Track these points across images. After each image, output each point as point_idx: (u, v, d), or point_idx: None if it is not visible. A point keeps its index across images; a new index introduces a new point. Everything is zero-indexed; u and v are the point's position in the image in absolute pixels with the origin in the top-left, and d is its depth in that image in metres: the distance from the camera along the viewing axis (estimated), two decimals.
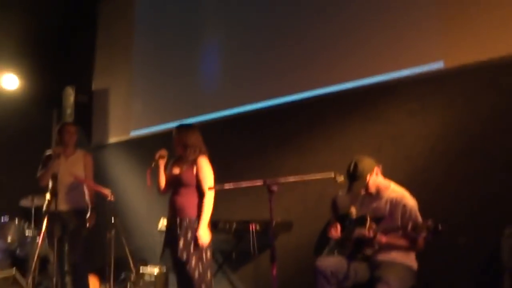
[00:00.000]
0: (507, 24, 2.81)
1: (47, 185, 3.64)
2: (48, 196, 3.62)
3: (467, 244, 2.75)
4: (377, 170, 2.65)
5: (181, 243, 2.81)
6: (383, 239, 2.48)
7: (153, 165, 3.00)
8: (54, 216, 3.56)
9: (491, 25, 2.87)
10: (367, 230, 2.50)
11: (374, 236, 2.47)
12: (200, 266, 2.84)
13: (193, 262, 2.81)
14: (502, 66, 2.80)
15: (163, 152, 3.02)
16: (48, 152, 3.84)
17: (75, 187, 3.70)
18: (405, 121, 3.20)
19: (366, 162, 2.64)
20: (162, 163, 3.03)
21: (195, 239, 2.83)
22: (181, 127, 3.09)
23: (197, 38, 4.89)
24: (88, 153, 3.95)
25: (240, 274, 4.02)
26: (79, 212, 3.69)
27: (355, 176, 2.62)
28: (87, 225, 3.72)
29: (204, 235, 2.84)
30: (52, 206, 3.54)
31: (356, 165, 2.62)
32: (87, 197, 3.77)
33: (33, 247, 4.21)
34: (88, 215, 3.73)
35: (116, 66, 5.95)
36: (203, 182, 2.92)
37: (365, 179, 2.62)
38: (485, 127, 2.84)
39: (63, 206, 3.63)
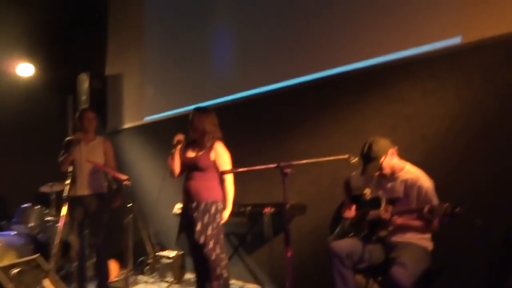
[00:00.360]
0: None
1: (68, 170, 3.71)
2: (68, 181, 3.69)
3: (484, 224, 2.71)
4: (392, 151, 2.60)
5: (198, 226, 2.85)
6: (398, 220, 2.46)
7: (173, 151, 3.02)
8: (75, 201, 3.66)
9: None
10: (383, 212, 2.48)
11: (390, 219, 2.45)
12: (218, 248, 2.88)
13: (211, 244, 2.85)
14: None
15: (180, 136, 3.03)
16: (69, 138, 3.91)
17: (95, 172, 3.76)
18: (421, 100, 3.13)
19: (381, 143, 2.59)
20: (178, 147, 3.04)
21: (214, 221, 2.86)
22: (199, 111, 3.08)
23: (208, 21, 4.84)
24: (107, 139, 4.01)
25: (255, 257, 4.07)
26: (100, 197, 3.76)
27: (369, 158, 2.57)
28: (114, 205, 3.80)
29: (227, 216, 2.92)
30: (72, 191, 3.63)
31: (370, 146, 2.57)
32: (108, 180, 3.84)
33: (54, 232, 4.32)
34: (114, 196, 3.81)
35: (128, 52, 5.96)
36: (222, 167, 2.93)
37: (380, 160, 2.57)
38: (504, 105, 2.75)
39: (84, 190, 3.70)
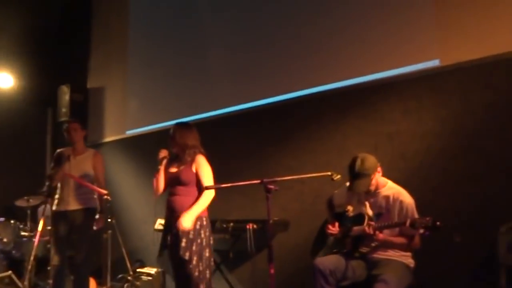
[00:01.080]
0: (502, 22, 2.82)
1: (56, 184, 3.61)
2: (56, 196, 3.59)
3: (463, 241, 2.77)
4: (379, 168, 2.64)
5: (183, 242, 2.80)
6: (380, 236, 2.48)
7: (159, 167, 2.98)
8: (60, 216, 3.54)
9: (487, 24, 2.87)
10: (366, 227, 2.50)
11: (374, 233, 2.46)
12: (200, 265, 2.84)
13: (194, 261, 2.81)
14: (498, 65, 2.81)
15: (165, 152, 3.00)
16: (59, 150, 3.81)
17: (82, 186, 3.62)
18: (401, 120, 3.21)
19: (371, 160, 2.60)
20: (163, 164, 3.01)
21: (198, 237, 2.83)
22: (180, 126, 3.06)
23: (193, 37, 4.87)
24: (98, 152, 3.90)
25: (237, 274, 4.02)
26: (87, 212, 3.62)
27: (361, 174, 2.56)
28: (95, 226, 3.63)
29: (186, 222, 2.79)
30: (57, 206, 3.53)
31: (363, 162, 2.57)
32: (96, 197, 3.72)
33: (29, 247, 4.18)
34: (97, 217, 3.64)
35: (112, 65, 5.92)
36: (203, 180, 2.90)
37: (370, 177, 2.59)
38: (481, 126, 2.85)
39: (69, 205, 3.58)
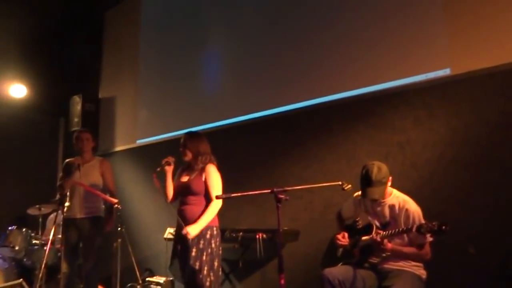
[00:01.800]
0: None
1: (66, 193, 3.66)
2: (67, 203, 3.63)
3: (477, 252, 2.72)
4: (390, 177, 2.61)
5: (193, 251, 2.81)
6: (389, 245, 2.44)
7: (159, 169, 2.99)
8: (69, 223, 3.58)
9: (497, 32, 2.86)
10: (374, 234, 2.48)
11: (382, 241, 2.44)
12: (212, 275, 2.83)
13: (205, 270, 2.81)
14: (509, 73, 2.79)
15: (170, 158, 3.02)
16: (68, 160, 3.87)
17: (92, 195, 3.68)
18: (412, 129, 3.19)
19: (385, 168, 2.57)
20: (169, 170, 3.02)
21: (209, 247, 2.82)
22: (192, 134, 3.09)
23: (203, 47, 4.92)
24: (105, 159, 3.96)
25: (247, 284, 4.00)
26: (95, 220, 3.69)
27: (376, 182, 2.52)
28: (107, 228, 3.73)
29: (192, 231, 2.79)
30: (67, 213, 3.56)
31: (379, 170, 2.53)
32: (104, 203, 3.78)
33: (40, 255, 4.21)
34: (106, 219, 3.74)
35: (123, 75, 6.00)
36: (212, 190, 2.91)
37: (386, 185, 2.56)
38: (493, 134, 2.82)
39: (78, 213, 3.64)
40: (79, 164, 3.64)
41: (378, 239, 2.44)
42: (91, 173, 3.74)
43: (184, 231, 2.81)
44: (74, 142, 3.87)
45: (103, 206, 3.79)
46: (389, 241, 2.47)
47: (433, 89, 3.11)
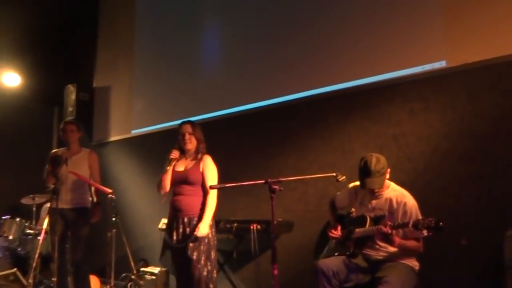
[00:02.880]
0: (510, 24, 2.79)
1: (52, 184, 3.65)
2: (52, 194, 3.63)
3: (469, 244, 2.74)
4: (388, 169, 2.60)
5: (191, 242, 2.81)
6: (397, 239, 2.40)
7: (168, 167, 2.97)
8: (56, 214, 3.58)
9: (493, 24, 2.85)
10: (383, 225, 2.39)
11: (391, 232, 2.36)
12: (209, 265, 2.84)
13: (202, 260, 2.81)
14: (505, 65, 2.78)
15: (176, 154, 2.99)
16: (54, 151, 3.85)
17: (79, 186, 3.70)
18: (407, 121, 3.18)
19: (384, 159, 2.56)
20: (173, 163, 3.00)
21: (206, 237, 2.83)
22: (195, 123, 3.09)
23: (199, 36, 4.88)
24: (93, 151, 3.95)
25: (240, 274, 4.02)
26: (82, 211, 3.70)
27: (376, 172, 2.51)
28: (93, 220, 3.73)
29: (204, 230, 2.83)
30: (54, 203, 3.55)
31: (378, 161, 2.53)
32: (91, 194, 3.77)
33: (34, 245, 4.20)
34: (93, 210, 3.73)
35: (118, 64, 5.94)
36: (208, 180, 2.90)
37: (384, 176, 2.55)
38: (488, 127, 2.82)
39: (66, 204, 3.64)
40: (67, 158, 3.62)
41: (389, 231, 2.36)
42: (79, 164, 3.73)
43: (197, 234, 2.80)
44: (60, 134, 3.86)
45: (90, 198, 3.77)
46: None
47: (429, 81, 3.10)
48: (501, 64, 2.79)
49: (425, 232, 2.37)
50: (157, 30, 5.44)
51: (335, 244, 2.77)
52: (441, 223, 2.17)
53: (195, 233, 2.80)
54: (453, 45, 3.01)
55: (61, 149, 3.86)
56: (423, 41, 3.14)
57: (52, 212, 3.60)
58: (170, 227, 2.98)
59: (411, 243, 2.48)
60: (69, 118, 5.51)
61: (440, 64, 3.05)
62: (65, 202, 3.63)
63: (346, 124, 3.52)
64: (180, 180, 2.96)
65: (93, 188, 3.77)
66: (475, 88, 2.90)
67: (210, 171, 2.94)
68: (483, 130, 2.84)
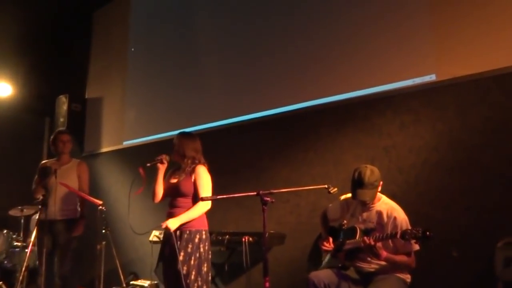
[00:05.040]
0: (498, 38, 2.85)
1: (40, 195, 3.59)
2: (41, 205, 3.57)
3: (460, 256, 2.75)
4: (381, 182, 2.61)
5: (181, 255, 2.77)
6: (384, 253, 2.42)
7: (149, 164, 2.94)
8: (45, 226, 3.52)
9: (483, 39, 2.90)
10: (366, 238, 2.41)
11: (375, 244, 2.39)
12: (199, 280, 2.79)
13: (193, 275, 2.77)
14: (493, 80, 2.83)
15: (164, 156, 2.97)
16: (43, 162, 3.80)
17: (69, 197, 3.64)
18: (398, 133, 3.21)
19: (377, 172, 2.57)
20: (161, 168, 2.96)
21: (197, 251, 2.79)
22: (181, 136, 3.06)
23: (191, 49, 4.90)
24: (82, 162, 3.91)
25: (232, 287, 3.97)
26: (71, 223, 3.64)
27: (368, 184, 2.51)
28: (75, 233, 3.65)
29: (170, 224, 2.77)
30: (43, 215, 3.50)
31: (372, 173, 2.53)
32: (78, 207, 3.72)
33: (21, 258, 4.12)
34: (76, 223, 3.66)
35: (111, 75, 5.94)
36: (201, 190, 2.86)
37: (377, 189, 2.56)
38: (477, 140, 2.86)
39: (55, 216, 3.58)
40: (56, 170, 3.56)
41: (372, 242, 2.39)
42: (68, 175, 3.69)
43: (163, 225, 2.78)
44: (51, 143, 3.80)
45: (79, 209, 3.72)
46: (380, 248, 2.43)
47: (419, 94, 3.14)
48: (489, 78, 2.84)
49: (416, 246, 2.36)
50: (151, 42, 5.46)
51: (327, 256, 2.76)
52: (428, 233, 2.18)
53: (162, 224, 2.77)
54: (442, 59, 3.06)
55: (51, 160, 3.82)
56: (414, 54, 3.19)
57: (40, 224, 3.53)
58: (164, 240, 2.96)
59: (401, 258, 2.46)
60: (61, 128, 5.46)
61: (430, 78, 3.10)
62: (53, 213, 3.57)
63: (338, 136, 3.54)
64: (173, 192, 2.94)
65: (78, 202, 3.70)
66: (464, 101, 2.95)
67: (202, 180, 2.90)
68: (473, 142, 2.87)
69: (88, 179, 3.85)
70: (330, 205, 2.91)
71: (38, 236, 3.53)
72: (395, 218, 2.51)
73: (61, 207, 3.60)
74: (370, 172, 2.54)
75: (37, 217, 3.67)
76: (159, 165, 2.94)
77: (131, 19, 5.76)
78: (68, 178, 3.67)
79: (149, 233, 4.18)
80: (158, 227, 3.54)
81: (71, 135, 3.94)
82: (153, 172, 3.00)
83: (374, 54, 3.40)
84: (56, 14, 6.07)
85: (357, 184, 2.55)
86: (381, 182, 2.59)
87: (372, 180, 2.53)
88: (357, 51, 3.50)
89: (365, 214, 2.63)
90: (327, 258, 2.77)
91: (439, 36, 3.08)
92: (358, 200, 2.60)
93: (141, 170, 2.90)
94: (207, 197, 2.79)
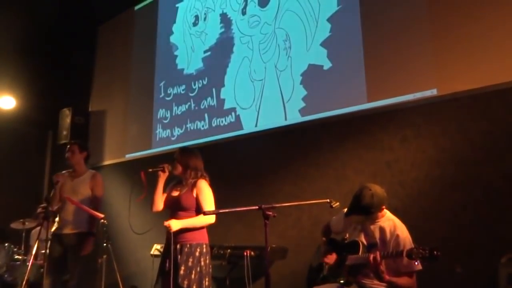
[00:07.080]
0: (499, 54, 2.88)
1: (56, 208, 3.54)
2: (57, 218, 3.52)
3: (464, 272, 2.73)
4: (384, 206, 2.51)
5: (182, 269, 2.75)
6: (386, 277, 2.33)
7: (151, 170, 2.95)
8: (56, 239, 3.47)
9: (483, 55, 2.94)
10: (371, 257, 2.34)
11: (380, 262, 2.31)
12: None
13: None
14: (494, 95, 2.85)
15: (166, 165, 2.98)
16: (57, 174, 3.76)
17: (79, 211, 3.51)
18: (400, 148, 3.22)
19: (380, 196, 2.45)
20: (162, 177, 2.97)
21: (198, 265, 2.78)
22: (184, 149, 3.09)
23: (195, 64, 4.94)
24: (97, 173, 3.79)
25: None
26: (82, 236, 3.51)
27: (364, 209, 2.44)
28: (82, 252, 3.48)
29: (173, 224, 2.77)
30: (55, 228, 3.46)
31: (372, 198, 2.43)
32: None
33: (22, 271, 4.10)
34: (85, 241, 3.50)
35: (114, 89, 5.99)
36: (204, 205, 2.86)
37: (372, 216, 2.49)
38: (479, 154, 2.86)
39: (66, 228, 3.49)
40: (58, 181, 3.52)
41: (378, 259, 2.30)
42: (80, 186, 3.61)
43: (165, 223, 2.77)
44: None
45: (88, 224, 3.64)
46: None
47: (421, 109, 3.16)
48: (490, 93, 2.86)
49: (419, 266, 2.32)
50: (153, 57, 5.51)
51: (329, 270, 2.74)
52: (435, 252, 2.10)
53: (164, 223, 2.76)
54: (443, 74, 3.09)
55: (67, 170, 3.73)
56: (415, 70, 3.22)
57: (52, 237, 3.44)
58: (164, 254, 2.94)
59: (403, 281, 2.41)
60: (67, 140, 5.45)
61: (431, 92, 3.12)
62: (64, 226, 3.50)
63: (339, 150, 3.55)
64: (174, 205, 2.94)
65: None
66: (465, 116, 2.97)
67: (205, 195, 2.90)
68: (474, 157, 2.88)
69: (101, 192, 3.71)
70: (334, 217, 2.90)
71: (47, 249, 3.43)
72: (397, 235, 2.47)
73: (76, 219, 3.51)
74: (370, 197, 2.45)
75: (36, 230, 3.63)
76: (160, 173, 2.96)
77: (136, 33, 5.82)
78: (78, 191, 3.58)
79: (151, 247, 4.17)
80: (159, 241, 3.51)
81: (82, 144, 3.86)
82: (154, 181, 3.01)
83: (376, 69, 3.43)
84: (60, 28, 6.16)
85: (354, 204, 2.52)
86: (383, 207, 2.51)
87: (370, 206, 2.44)
88: (359, 66, 3.53)
89: (368, 229, 2.61)
90: (327, 270, 2.74)
91: (440, 51, 3.11)
92: (349, 219, 2.58)
93: (142, 175, 2.91)
94: (209, 211, 2.79)
